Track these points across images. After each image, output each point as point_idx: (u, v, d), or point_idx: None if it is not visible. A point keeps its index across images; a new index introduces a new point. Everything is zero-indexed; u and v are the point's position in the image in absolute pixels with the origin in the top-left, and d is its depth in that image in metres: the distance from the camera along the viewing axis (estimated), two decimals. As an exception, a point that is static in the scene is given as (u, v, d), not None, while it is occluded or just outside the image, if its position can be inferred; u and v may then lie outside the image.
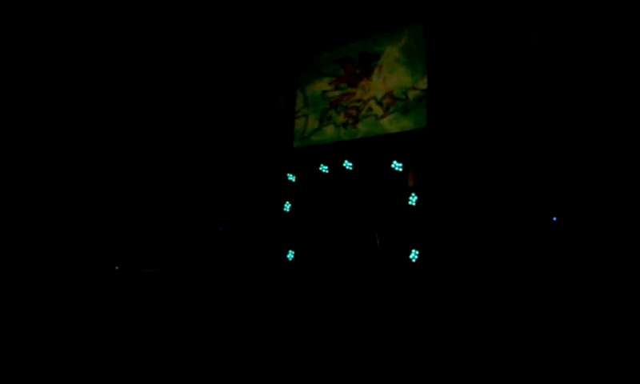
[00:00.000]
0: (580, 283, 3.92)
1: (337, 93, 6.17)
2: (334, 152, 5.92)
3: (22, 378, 3.35)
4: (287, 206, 6.06)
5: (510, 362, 3.62)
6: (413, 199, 5.08)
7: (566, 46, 4.53)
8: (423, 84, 5.44)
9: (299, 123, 6.45)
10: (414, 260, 4.85)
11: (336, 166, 5.83)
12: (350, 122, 5.92)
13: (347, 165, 5.72)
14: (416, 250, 4.87)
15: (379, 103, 5.73)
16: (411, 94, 5.49)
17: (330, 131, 6.08)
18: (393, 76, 5.72)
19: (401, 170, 5.29)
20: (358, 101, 5.93)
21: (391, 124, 5.56)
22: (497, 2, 5.03)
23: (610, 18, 4.33)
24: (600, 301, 3.79)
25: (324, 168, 5.91)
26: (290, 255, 5.81)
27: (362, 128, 5.79)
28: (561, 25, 4.61)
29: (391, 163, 5.34)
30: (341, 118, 6.02)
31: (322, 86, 6.35)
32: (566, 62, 4.51)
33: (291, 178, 6.15)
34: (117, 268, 6.71)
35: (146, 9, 6.84)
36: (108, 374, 3.49)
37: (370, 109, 5.79)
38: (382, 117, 5.65)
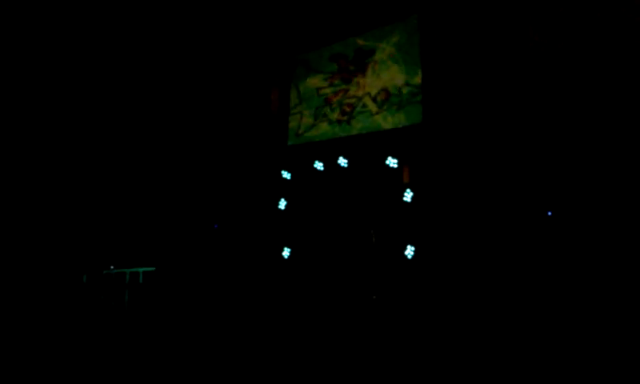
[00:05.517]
0: (574, 279, 3.94)
1: (331, 89, 6.15)
2: (328, 149, 5.90)
3: (21, 376, 3.33)
4: (282, 204, 6.04)
5: (506, 356, 3.64)
6: (408, 195, 5.08)
7: (559, 40, 4.54)
8: (418, 80, 5.42)
9: (294, 120, 6.42)
10: (409, 256, 4.86)
11: (331, 163, 5.81)
12: (345, 118, 5.90)
13: (342, 162, 5.70)
14: (412, 245, 4.88)
15: (374, 99, 5.72)
16: (406, 90, 5.48)
17: (324, 128, 6.06)
18: (387, 72, 5.70)
19: (396, 166, 5.29)
20: (353, 97, 5.91)
21: (386, 120, 5.54)
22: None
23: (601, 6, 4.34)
24: (594, 289, 3.82)
25: (319, 165, 5.89)
26: (286, 253, 5.80)
27: (357, 124, 5.78)
28: (554, 16, 4.61)
29: (386, 159, 5.34)
30: (335, 115, 6.00)
31: (317, 82, 6.32)
32: (561, 55, 4.51)
33: (286, 175, 6.13)
34: (112, 267, 6.68)
35: (141, 6, 6.76)
36: (106, 369, 3.47)
37: (365, 105, 5.77)
38: (377, 113, 5.64)
